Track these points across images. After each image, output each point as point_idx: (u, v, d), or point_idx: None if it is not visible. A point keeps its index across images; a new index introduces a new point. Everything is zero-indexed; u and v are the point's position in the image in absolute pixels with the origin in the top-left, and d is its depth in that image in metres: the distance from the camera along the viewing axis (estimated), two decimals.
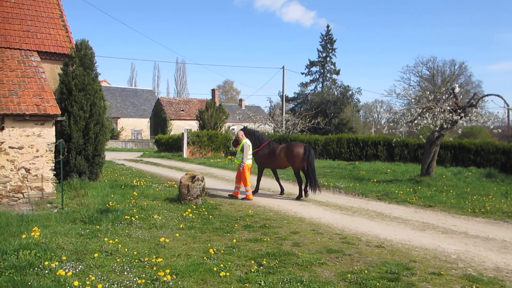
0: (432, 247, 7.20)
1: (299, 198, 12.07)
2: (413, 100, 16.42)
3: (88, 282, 5.02)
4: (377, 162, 23.11)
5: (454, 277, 5.69)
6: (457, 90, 14.73)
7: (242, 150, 12.06)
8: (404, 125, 15.12)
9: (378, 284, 5.29)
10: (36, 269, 5.50)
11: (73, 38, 14.38)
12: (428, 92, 15.82)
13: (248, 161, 12.15)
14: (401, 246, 7.23)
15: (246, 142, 12.20)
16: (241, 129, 13.02)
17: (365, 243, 7.38)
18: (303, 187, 12.15)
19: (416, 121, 14.62)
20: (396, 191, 12.95)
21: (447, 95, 15.00)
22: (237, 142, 12.62)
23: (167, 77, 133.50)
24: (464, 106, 14.49)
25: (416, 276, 5.69)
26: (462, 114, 14.06)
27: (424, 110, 14.75)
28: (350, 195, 13.12)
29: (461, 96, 15.43)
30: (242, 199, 11.93)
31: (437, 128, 14.53)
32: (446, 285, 5.38)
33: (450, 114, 14.11)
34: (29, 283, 4.97)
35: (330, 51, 64.67)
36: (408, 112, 15.53)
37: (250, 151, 12.26)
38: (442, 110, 14.23)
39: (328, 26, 66.38)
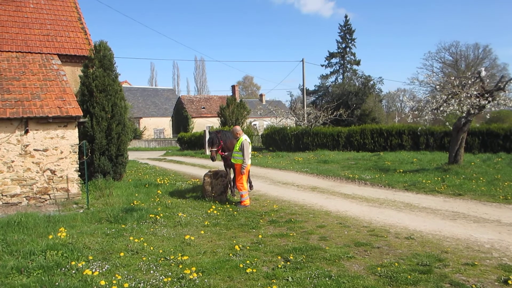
0: (464, 237, 6.96)
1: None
2: (437, 87, 15.92)
3: (114, 282, 5.02)
4: (402, 152, 22.66)
5: (489, 267, 5.47)
6: (483, 73, 14.21)
7: (241, 149, 10.12)
8: (429, 112, 14.69)
9: (409, 277, 5.12)
10: (63, 269, 5.55)
11: (92, 40, 14.53)
12: (453, 78, 15.33)
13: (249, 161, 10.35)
14: (432, 237, 7.01)
15: (246, 139, 10.30)
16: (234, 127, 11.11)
17: (394, 235, 7.19)
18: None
19: (441, 108, 14.19)
20: (424, 181, 12.63)
21: (473, 80, 14.51)
22: (217, 140, 11.22)
23: (187, 75, 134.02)
24: (491, 90, 13.99)
25: (448, 267, 5.49)
26: (490, 99, 13.59)
27: (450, 96, 14.32)
28: (376, 186, 12.87)
29: (487, 80, 14.91)
30: (236, 204, 10.25)
31: (464, 114, 14.10)
32: (480, 276, 5.17)
33: (477, 99, 13.65)
34: (57, 283, 5.01)
35: (349, 41, 63.56)
36: (433, 99, 15.10)
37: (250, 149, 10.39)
38: (469, 95, 13.78)
39: (346, 16, 65.84)
